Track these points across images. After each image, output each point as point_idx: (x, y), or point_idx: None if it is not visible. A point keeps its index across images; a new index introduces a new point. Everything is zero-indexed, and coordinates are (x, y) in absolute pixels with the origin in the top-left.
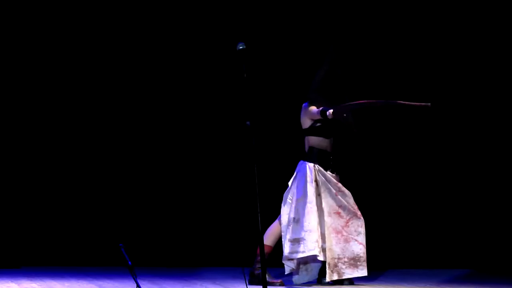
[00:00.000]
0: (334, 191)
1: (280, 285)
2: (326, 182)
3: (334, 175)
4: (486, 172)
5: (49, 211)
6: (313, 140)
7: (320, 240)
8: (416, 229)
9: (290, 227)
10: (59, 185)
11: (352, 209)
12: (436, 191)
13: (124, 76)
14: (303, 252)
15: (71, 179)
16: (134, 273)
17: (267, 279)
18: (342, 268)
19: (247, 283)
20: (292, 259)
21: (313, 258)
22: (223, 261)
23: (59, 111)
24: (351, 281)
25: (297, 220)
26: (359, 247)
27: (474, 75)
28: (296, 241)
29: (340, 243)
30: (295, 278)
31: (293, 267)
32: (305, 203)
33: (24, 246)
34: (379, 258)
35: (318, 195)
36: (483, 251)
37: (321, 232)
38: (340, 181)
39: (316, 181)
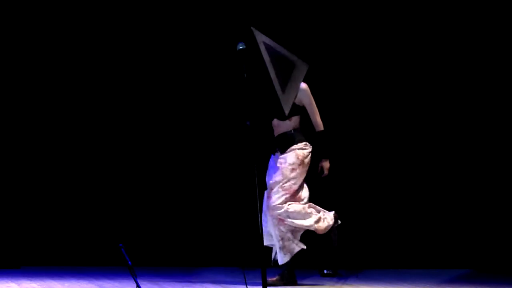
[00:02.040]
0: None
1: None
2: (273, 162)
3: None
4: (486, 172)
5: (49, 211)
6: None
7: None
8: (416, 229)
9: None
10: (59, 185)
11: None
12: (436, 191)
13: (124, 76)
14: None
15: (71, 179)
16: (134, 273)
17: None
18: (291, 244)
19: (247, 283)
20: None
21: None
22: (223, 261)
23: (59, 111)
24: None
25: None
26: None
27: (474, 75)
28: None
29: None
30: (278, 259)
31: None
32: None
33: (24, 246)
34: (379, 258)
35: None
36: (483, 251)
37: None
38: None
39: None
